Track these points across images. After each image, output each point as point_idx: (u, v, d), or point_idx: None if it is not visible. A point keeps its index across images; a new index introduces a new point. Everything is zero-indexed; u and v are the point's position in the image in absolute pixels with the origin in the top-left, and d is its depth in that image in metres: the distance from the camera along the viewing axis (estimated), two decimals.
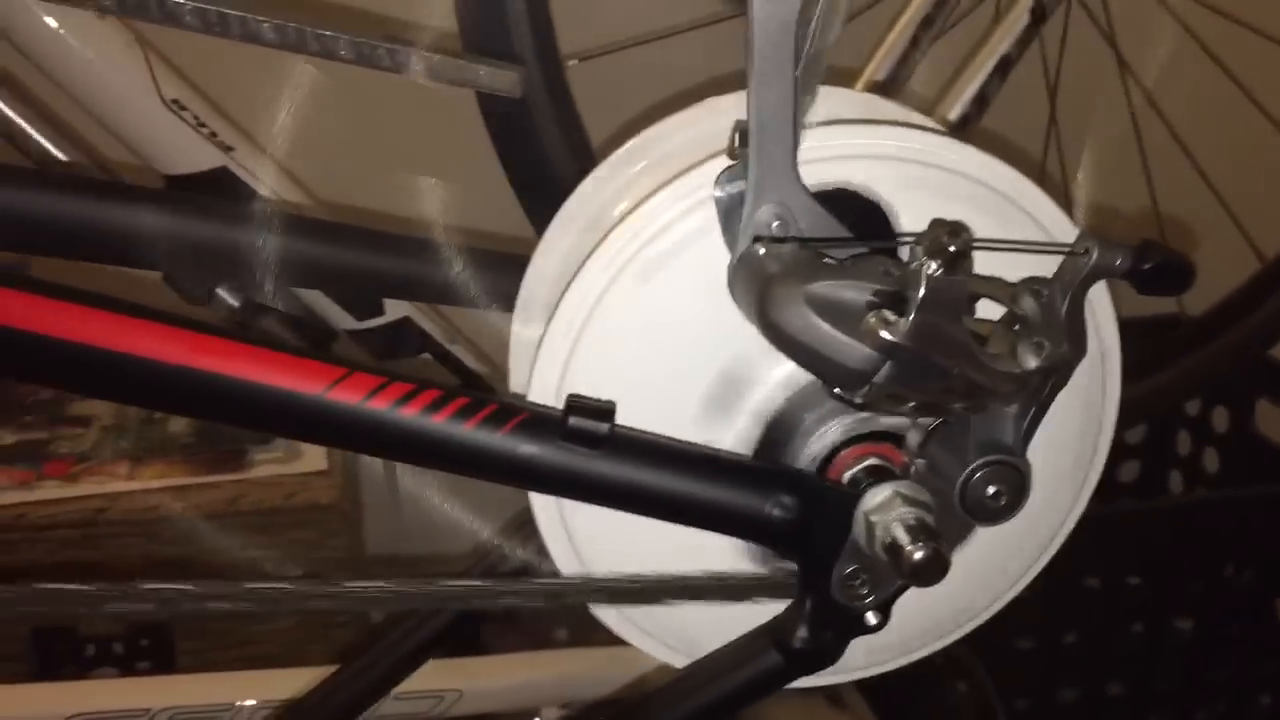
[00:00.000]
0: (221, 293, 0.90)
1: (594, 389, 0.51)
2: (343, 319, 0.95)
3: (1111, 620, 1.16)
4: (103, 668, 1.14)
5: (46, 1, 0.82)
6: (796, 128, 0.46)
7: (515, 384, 0.61)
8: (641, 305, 0.51)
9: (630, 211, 0.51)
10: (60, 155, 0.86)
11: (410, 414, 0.47)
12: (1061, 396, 0.50)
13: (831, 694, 1.34)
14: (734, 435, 0.53)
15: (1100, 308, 0.54)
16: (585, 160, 0.79)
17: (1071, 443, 0.57)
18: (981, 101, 0.92)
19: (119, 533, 1.11)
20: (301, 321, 0.97)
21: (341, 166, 1.13)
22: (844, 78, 0.92)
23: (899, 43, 0.90)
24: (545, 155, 0.83)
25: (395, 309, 0.97)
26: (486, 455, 0.48)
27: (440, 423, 0.47)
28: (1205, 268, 1.15)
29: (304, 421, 0.46)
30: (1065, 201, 1.09)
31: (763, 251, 0.46)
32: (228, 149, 0.89)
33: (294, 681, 0.84)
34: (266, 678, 0.93)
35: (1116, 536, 1.13)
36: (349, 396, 0.46)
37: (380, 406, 0.47)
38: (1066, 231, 0.52)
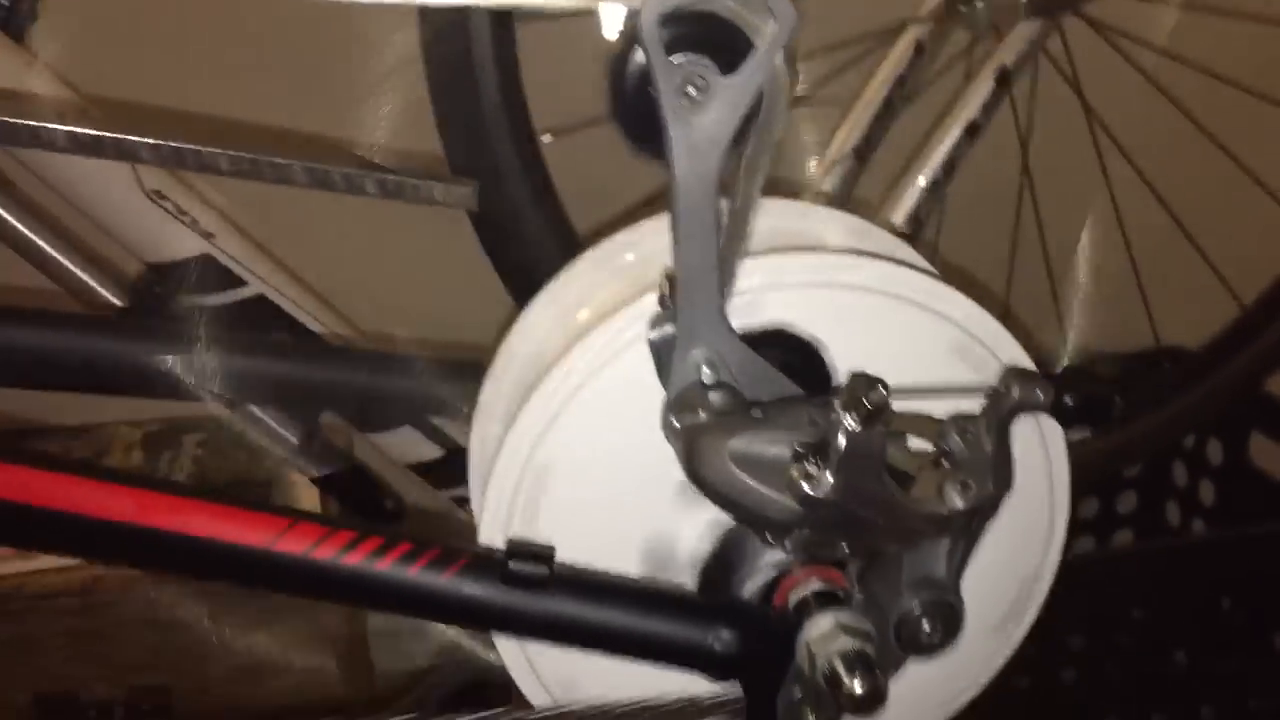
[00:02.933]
0: None
1: (554, 507, 0.53)
2: None
3: (1109, 657, 1.17)
4: None
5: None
6: (724, 279, 0.47)
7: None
8: (591, 432, 0.52)
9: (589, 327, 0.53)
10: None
11: (354, 561, 0.48)
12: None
13: None
14: (690, 548, 0.54)
15: (1053, 441, 0.55)
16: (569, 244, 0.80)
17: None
18: (950, 167, 0.92)
19: (116, 600, 1.13)
20: (285, 398, 0.98)
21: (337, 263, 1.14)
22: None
23: (865, 116, 0.90)
24: (528, 245, 0.84)
25: None
26: (431, 599, 0.49)
27: (384, 569, 0.48)
28: (1188, 304, 1.17)
29: (254, 572, 0.48)
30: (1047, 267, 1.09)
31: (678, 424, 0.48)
32: (208, 235, 0.91)
33: None
34: None
35: (1114, 575, 1.14)
36: (294, 547, 0.48)
37: (325, 556, 0.48)
38: (1016, 358, 0.53)
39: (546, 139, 0.94)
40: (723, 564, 0.54)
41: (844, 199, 0.92)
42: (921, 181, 0.92)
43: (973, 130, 0.93)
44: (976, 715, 1.12)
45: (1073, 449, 1.16)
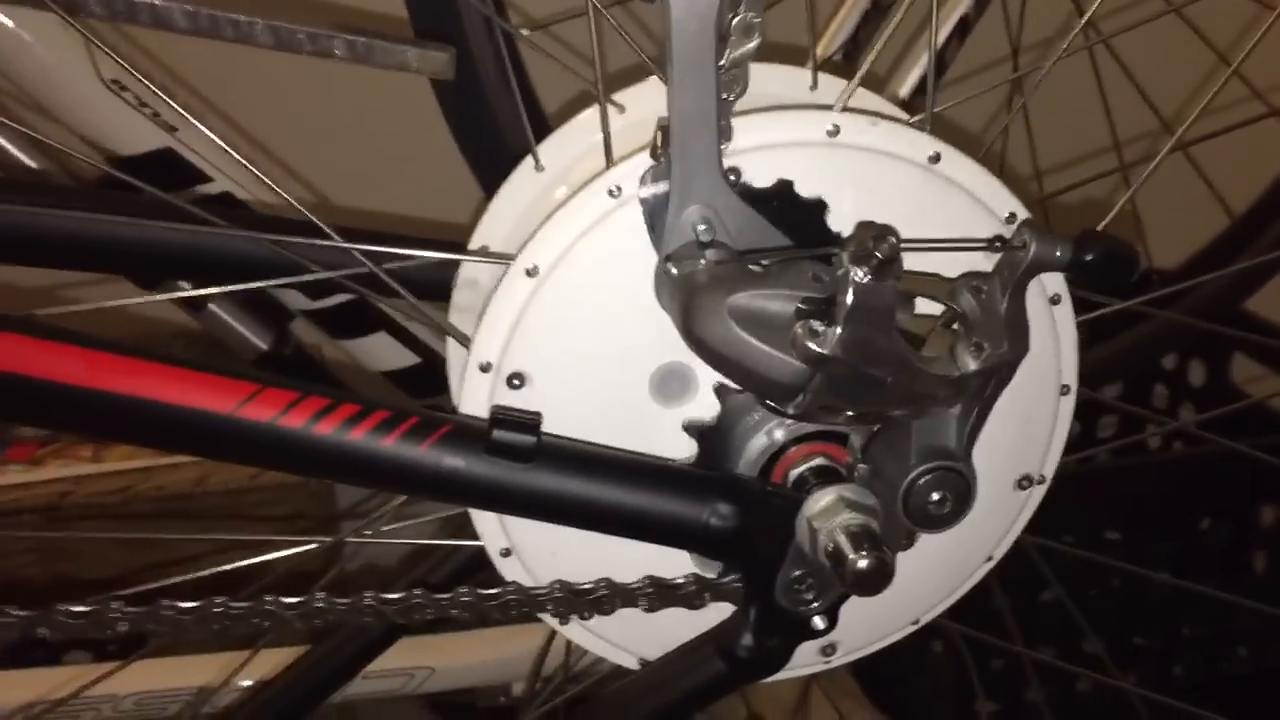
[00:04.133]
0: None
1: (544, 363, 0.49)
2: (297, 299, 0.92)
3: (1090, 576, 1.15)
4: (74, 652, 1.13)
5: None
6: (720, 128, 0.43)
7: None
8: (579, 293, 0.48)
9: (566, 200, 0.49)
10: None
11: (326, 430, 0.45)
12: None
13: None
14: (676, 442, 0.51)
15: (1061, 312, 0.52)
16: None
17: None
18: (940, 64, 0.89)
19: (84, 515, 1.10)
20: (255, 302, 0.95)
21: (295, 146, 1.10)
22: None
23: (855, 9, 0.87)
24: (497, 127, 0.80)
25: None
26: (408, 471, 0.46)
27: (359, 438, 0.45)
28: (1175, 222, 1.13)
29: (213, 441, 0.45)
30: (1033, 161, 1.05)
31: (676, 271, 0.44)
32: (171, 129, 0.87)
33: (263, 664, 0.83)
34: (233, 661, 0.91)
35: (1094, 493, 1.12)
36: (260, 414, 0.44)
37: (293, 424, 0.45)
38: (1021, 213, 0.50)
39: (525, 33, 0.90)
40: (724, 435, 0.51)
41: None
42: (912, 79, 0.88)
43: (964, 27, 0.90)
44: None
45: None
